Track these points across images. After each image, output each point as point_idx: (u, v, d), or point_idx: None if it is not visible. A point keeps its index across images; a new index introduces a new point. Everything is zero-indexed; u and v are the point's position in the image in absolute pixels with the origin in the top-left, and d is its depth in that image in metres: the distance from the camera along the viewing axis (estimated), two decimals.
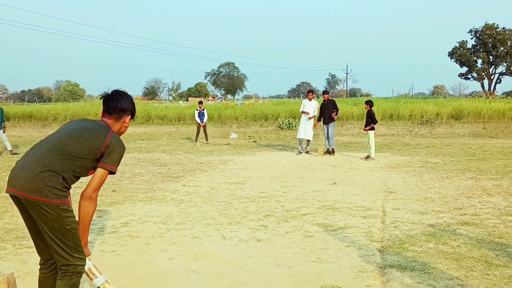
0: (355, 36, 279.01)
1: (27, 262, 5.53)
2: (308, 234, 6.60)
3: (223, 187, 10.28)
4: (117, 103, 3.84)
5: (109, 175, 3.71)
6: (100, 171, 3.61)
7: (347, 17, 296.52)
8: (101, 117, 3.88)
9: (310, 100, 16.99)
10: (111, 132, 3.70)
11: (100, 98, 3.92)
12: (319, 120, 17.12)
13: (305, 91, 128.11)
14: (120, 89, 4.01)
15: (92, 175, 3.64)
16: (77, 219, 3.59)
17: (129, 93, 4.01)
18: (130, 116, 3.94)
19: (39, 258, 5.49)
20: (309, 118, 16.66)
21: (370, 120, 15.45)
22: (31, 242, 6.15)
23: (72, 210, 3.52)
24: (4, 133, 17.42)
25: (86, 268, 3.63)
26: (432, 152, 16.84)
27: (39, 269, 3.74)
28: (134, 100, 4.06)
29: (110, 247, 6.09)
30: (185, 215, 7.79)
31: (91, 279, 3.64)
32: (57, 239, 3.42)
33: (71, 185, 3.60)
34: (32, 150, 3.59)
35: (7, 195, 3.55)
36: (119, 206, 8.48)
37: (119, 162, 3.73)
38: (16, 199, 3.50)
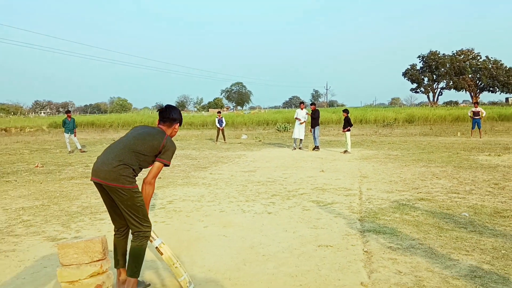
0: (333, 60, 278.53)
1: (101, 230, 5.61)
2: (306, 208, 6.65)
3: (239, 174, 10.32)
4: (169, 114, 3.89)
5: (164, 167, 3.78)
6: (157, 164, 3.67)
7: (327, 43, 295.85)
8: (157, 124, 3.94)
9: (302, 109, 16.91)
10: (166, 136, 3.76)
11: (157, 111, 3.98)
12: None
13: (296, 102, 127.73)
14: (159, 105, 4.07)
15: (151, 166, 3.71)
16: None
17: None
18: (178, 123, 4.00)
19: (110, 228, 5.58)
20: (301, 123, 16.66)
21: (347, 124, 15.49)
22: (103, 216, 6.27)
23: (140, 192, 3.59)
24: (75, 136, 17.49)
25: None
26: (392, 147, 16.82)
27: (114, 235, 3.80)
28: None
29: (161, 219, 6.16)
30: (214, 195, 7.85)
31: (151, 241, 3.70)
32: (131, 213, 3.50)
33: (138, 174, 3.68)
34: (109, 149, 3.66)
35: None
36: (164, 189, 8.55)
37: (172, 157, 3.79)
38: (99, 186, 3.59)
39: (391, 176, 9.56)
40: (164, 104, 4.03)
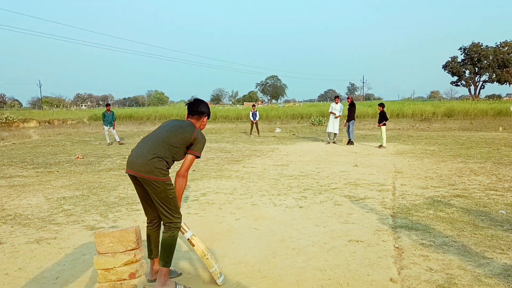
0: (370, 52, 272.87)
1: (136, 220, 5.81)
2: (337, 203, 6.63)
3: (272, 168, 10.37)
4: (198, 107, 3.95)
5: (196, 159, 3.87)
6: (189, 156, 3.76)
7: (365, 35, 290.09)
8: (187, 118, 4.00)
9: (337, 103, 16.67)
10: (196, 129, 3.85)
11: (186, 105, 4.06)
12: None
13: (331, 96, 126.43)
14: (197, 97, 4.15)
15: (184, 159, 3.81)
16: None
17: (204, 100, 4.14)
18: (207, 117, 4.07)
19: (145, 218, 5.76)
20: (336, 117, 16.46)
21: (383, 118, 15.23)
22: (138, 207, 6.47)
23: (172, 184, 3.69)
24: (114, 129, 18.00)
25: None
26: (430, 142, 16.41)
27: (147, 226, 3.92)
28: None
29: (194, 211, 6.30)
30: (246, 188, 7.94)
31: (183, 233, 3.81)
32: (163, 204, 3.60)
33: (171, 166, 3.79)
34: (143, 142, 3.77)
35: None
36: (198, 181, 8.71)
37: (203, 149, 3.86)
38: (133, 178, 3.70)
39: (426, 171, 9.37)
40: (194, 98, 4.13)
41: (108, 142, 17.80)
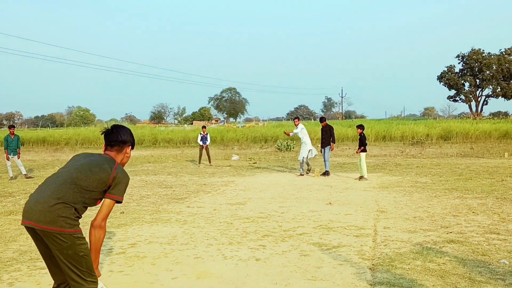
0: (349, 60, 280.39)
1: (40, 283, 5.59)
2: (304, 253, 6.65)
3: (224, 208, 10.33)
4: (117, 136, 3.94)
5: (116, 204, 3.81)
6: (107, 202, 3.70)
7: (342, 42, 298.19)
8: (104, 150, 3.97)
9: (296, 126, 17.12)
10: (116, 165, 3.80)
11: (101, 134, 4.01)
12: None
13: (304, 113, 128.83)
14: (130, 117, 4.14)
15: (101, 204, 3.73)
16: (88, 245, 3.67)
17: (126, 126, 4.11)
18: (130, 146, 4.04)
19: (51, 279, 5.58)
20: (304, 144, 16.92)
21: (362, 143, 15.57)
22: (44, 264, 6.24)
23: (84, 238, 3.60)
24: (18, 158, 17.53)
25: None
26: (422, 172, 16.89)
27: None
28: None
29: (119, 267, 6.14)
30: (189, 235, 7.85)
31: None
32: (71, 265, 3.51)
33: (82, 215, 3.70)
34: (45, 185, 3.68)
35: (21, 218, 3.63)
36: (127, 227, 8.54)
37: (125, 191, 3.83)
38: (31, 230, 3.59)
39: (416, 210, 9.59)
40: (119, 122, 4.10)
41: (11, 175, 17.27)
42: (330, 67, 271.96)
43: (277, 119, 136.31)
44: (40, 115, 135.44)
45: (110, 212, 3.74)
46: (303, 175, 16.80)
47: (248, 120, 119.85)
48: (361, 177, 15.02)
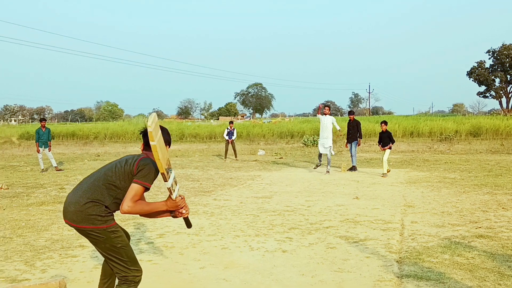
0: (377, 56, 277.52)
1: (72, 270, 5.72)
2: (331, 246, 6.66)
3: (251, 201, 10.39)
4: (144, 133, 3.95)
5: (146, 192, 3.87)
6: (133, 185, 3.71)
7: (369, 37, 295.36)
8: (142, 150, 4.01)
9: (326, 115, 15.96)
10: (142, 157, 3.84)
11: (140, 133, 4.03)
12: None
13: (330, 109, 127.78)
14: (157, 112, 4.21)
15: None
16: (125, 237, 3.83)
17: (164, 115, 4.21)
18: (168, 146, 4.07)
19: (82, 267, 5.74)
20: (338, 135, 16.16)
21: (389, 139, 15.17)
22: (76, 252, 6.42)
23: (119, 230, 3.74)
24: (50, 151, 17.85)
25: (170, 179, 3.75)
26: (450, 168, 16.69)
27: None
28: (168, 119, 4.24)
29: (147, 257, 6.25)
30: (216, 227, 7.93)
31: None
32: (113, 256, 3.69)
33: (115, 210, 3.82)
34: (79, 185, 3.84)
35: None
36: (154, 219, 8.64)
37: (152, 178, 3.78)
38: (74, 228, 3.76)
39: (444, 205, 9.50)
40: (156, 112, 4.16)
41: (42, 168, 17.61)
42: (357, 63, 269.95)
43: (303, 114, 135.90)
44: (69, 110, 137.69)
45: (138, 197, 3.72)
46: (318, 166, 16.20)
47: (274, 115, 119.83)
48: (384, 174, 14.69)
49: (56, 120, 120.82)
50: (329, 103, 21.87)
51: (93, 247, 6.50)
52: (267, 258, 6.14)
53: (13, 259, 6.21)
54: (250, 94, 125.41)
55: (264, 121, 60.89)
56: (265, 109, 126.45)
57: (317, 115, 16.76)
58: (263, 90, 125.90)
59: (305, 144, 30.74)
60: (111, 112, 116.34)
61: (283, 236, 7.26)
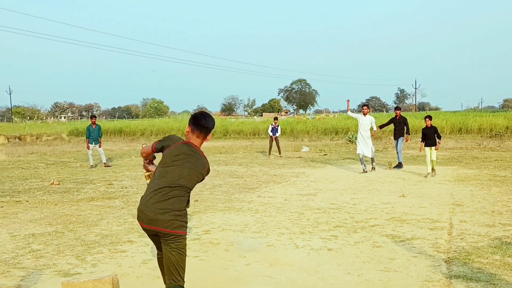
0: (424, 50, 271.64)
1: (121, 265, 5.88)
2: (377, 245, 6.61)
3: (295, 199, 10.39)
4: (208, 124, 4.09)
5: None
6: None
7: (414, 31, 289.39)
8: (190, 132, 4.08)
9: (365, 115, 15.37)
10: (205, 157, 4.12)
11: (193, 119, 4.11)
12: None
13: (375, 105, 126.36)
14: (202, 108, 4.35)
15: None
16: None
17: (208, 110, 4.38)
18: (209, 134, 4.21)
19: (131, 262, 5.87)
20: (372, 134, 15.51)
21: (434, 136, 14.40)
22: (124, 247, 6.59)
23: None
24: (100, 147, 18.27)
25: None
26: (501, 165, 16.20)
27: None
28: (213, 116, 4.37)
29: (194, 253, 6.34)
30: (261, 224, 7.98)
31: None
32: (177, 263, 3.87)
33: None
34: (155, 186, 3.92)
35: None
36: (201, 215, 8.78)
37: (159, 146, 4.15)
38: (150, 231, 3.96)
39: (494, 204, 9.26)
40: (201, 109, 4.28)
41: (91, 164, 18.07)
42: (403, 57, 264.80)
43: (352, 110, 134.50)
44: (116, 107, 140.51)
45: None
46: (365, 171, 15.21)
47: (318, 111, 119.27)
48: (429, 173, 14.10)
49: (104, 117, 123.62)
50: (367, 102, 21.01)
51: (141, 243, 6.69)
52: (312, 256, 6.14)
53: (65, 253, 6.43)
54: (294, 90, 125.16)
55: (308, 117, 60.69)
56: (309, 105, 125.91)
57: (348, 112, 16.64)
58: (307, 86, 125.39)
59: (350, 141, 30.44)
60: (157, 109, 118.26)
61: (328, 234, 7.24)
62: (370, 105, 16.18)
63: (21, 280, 5.38)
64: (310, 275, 5.43)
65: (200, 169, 4.01)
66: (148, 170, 4.27)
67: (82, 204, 10.01)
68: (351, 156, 21.52)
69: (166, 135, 4.12)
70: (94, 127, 18.17)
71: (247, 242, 4.52)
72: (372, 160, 15.53)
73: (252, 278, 5.37)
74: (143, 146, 4.33)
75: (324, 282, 5.18)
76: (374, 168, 15.49)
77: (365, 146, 15.17)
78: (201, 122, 4.05)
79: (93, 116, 19.00)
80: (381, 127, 17.52)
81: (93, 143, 18.13)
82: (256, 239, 6.97)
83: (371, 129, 15.36)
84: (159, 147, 4.03)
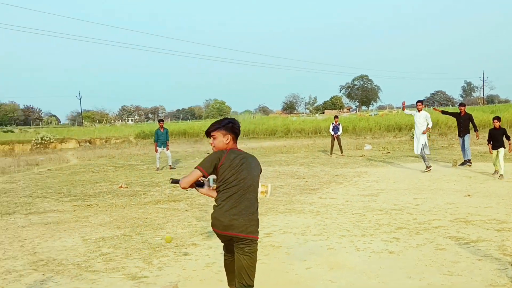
0: (491, 40, 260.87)
1: (185, 268, 6.08)
2: (440, 247, 6.50)
3: (357, 199, 10.34)
4: (239, 127, 4.45)
5: None
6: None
7: (481, 23, 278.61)
8: (231, 142, 4.32)
9: (419, 111, 15.09)
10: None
11: (231, 128, 4.34)
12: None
13: (440, 99, 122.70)
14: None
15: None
16: None
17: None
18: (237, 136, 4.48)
19: (195, 265, 6.07)
20: (423, 132, 14.91)
21: (503, 138, 13.59)
22: (188, 250, 6.81)
23: None
24: (168, 150, 18.71)
25: None
26: None
27: None
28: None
29: None
30: (322, 226, 8.00)
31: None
32: (249, 267, 4.12)
33: None
34: (226, 195, 4.13)
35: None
36: (262, 217, 8.84)
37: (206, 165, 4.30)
38: (225, 237, 4.22)
39: None
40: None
41: (158, 167, 18.54)
42: (469, 49, 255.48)
43: (412, 106, 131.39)
44: (180, 108, 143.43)
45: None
46: (430, 167, 14.74)
47: (381, 107, 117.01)
48: (500, 175, 13.50)
49: (169, 118, 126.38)
50: (423, 99, 20.07)
51: (204, 246, 6.88)
52: (373, 259, 6.13)
53: (133, 256, 6.71)
54: (355, 87, 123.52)
55: (370, 114, 59.77)
56: (372, 101, 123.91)
57: (404, 110, 16.69)
58: (369, 82, 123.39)
59: (413, 138, 29.81)
60: (219, 110, 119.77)
61: (390, 236, 7.18)
62: (435, 100, 15.89)
63: (92, 283, 5.68)
64: (370, 278, 5.43)
65: (257, 166, 4.29)
66: (204, 194, 4.38)
67: (149, 207, 10.37)
68: (414, 154, 21.06)
69: (205, 157, 4.27)
70: (162, 130, 18.59)
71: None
72: (423, 159, 14.92)
73: (313, 282, 5.43)
74: (178, 179, 4.31)
75: (385, 285, 5.17)
76: (430, 167, 14.71)
77: (417, 143, 14.89)
78: (237, 128, 4.37)
79: (160, 120, 19.42)
80: (443, 112, 17.54)
81: (161, 146, 18.55)
82: (317, 242, 7.02)
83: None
84: (211, 168, 4.15)
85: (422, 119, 14.98)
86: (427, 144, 15.15)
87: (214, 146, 4.27)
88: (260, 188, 4.48)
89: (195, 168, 4.15)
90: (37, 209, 10.73)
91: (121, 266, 6.26)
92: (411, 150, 22.87)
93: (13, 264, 6.59)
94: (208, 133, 4.32)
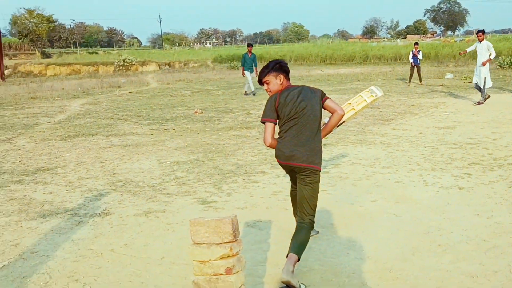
0: None
1: (253, 195, 6.28)
2: None
3: (431, 132, 10.07)
4: (287, 65, 4.42)
5: None
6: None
7: None
8: (284, 81, 4.27)
9: (480, 41, 14.20)
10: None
11: (282, 69, 4.28)
12: None
13: None
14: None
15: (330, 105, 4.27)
16: None
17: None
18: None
19: (262, 193, 6.27)
20: (483, 63, 13.97)
21: None
22: (257, 177, 7.01)
23: None
24: (256, 75, 18.60)
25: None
26: None
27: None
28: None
29: (322, 187, 6.37)
30: (391, 159, 7.92)
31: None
32: (310, 197, 4.18)
33: None
34: (287, 127, 4.15)
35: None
36: (332, 147, 8.91)
37: None
38: (288, 167, 4.28)
39: None
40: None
41: (250, 90, 18.44)
42: None
43: (503, 31, 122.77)
44: (258, 32, 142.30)
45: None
46: (481, 103, 13.85)
47: (468, 32, 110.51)
48: None
49: (246, 42, 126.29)
50: (482, 28, 17.90)
51: (272, 174, 7.05)
52: (441, 195, 6.05)
53: (204, 181, 6.99)
54: (441, 10, 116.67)
55: (455, 40, 56.68)
56: (458, 26, 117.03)
57: (468, 50, 16.06)
58: (457, 5, 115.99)
59: (500, 66, 28.16)
60: (297, 34, 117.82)
61: (461, 171, 7.01)
62: (480, 30, 14.62)
63: (165, 205, 6.00)
64: (436, 214, 5.38)
65: (314, 93, 4.19)
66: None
67: (221, 134, 10.63)
68: (500, 84, 20.02)
69: (265, 105, 4.23)
70: (249, 55, 18.56)
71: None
72: (481, 91, 14.01)
73: (377, 214, 5.46)
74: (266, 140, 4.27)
75: (450, 222, 5.12)
76: (480, 103, 13.88)
77: (479, 75, 14.03)
78: (285, 65, 4.30)
79: (250, 45, 19.25)
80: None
81: (248, 71, 18.55)
82: (385, 175, 6.99)
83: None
84: (273, 112, 4.15)
85: (484, 49, 14.06)
86: (489, 76, 14.23)
87: (270, 91, 4.26)
88: (364, 98, 4.80)
89: (261, 122, 4.23)
90: (117, 131, 11.30)
91: (193, 190, 6.55)
92: (496, 80, 21.73)
93: (94, 184, 7.07)
94: (260, 81, 4.29)
